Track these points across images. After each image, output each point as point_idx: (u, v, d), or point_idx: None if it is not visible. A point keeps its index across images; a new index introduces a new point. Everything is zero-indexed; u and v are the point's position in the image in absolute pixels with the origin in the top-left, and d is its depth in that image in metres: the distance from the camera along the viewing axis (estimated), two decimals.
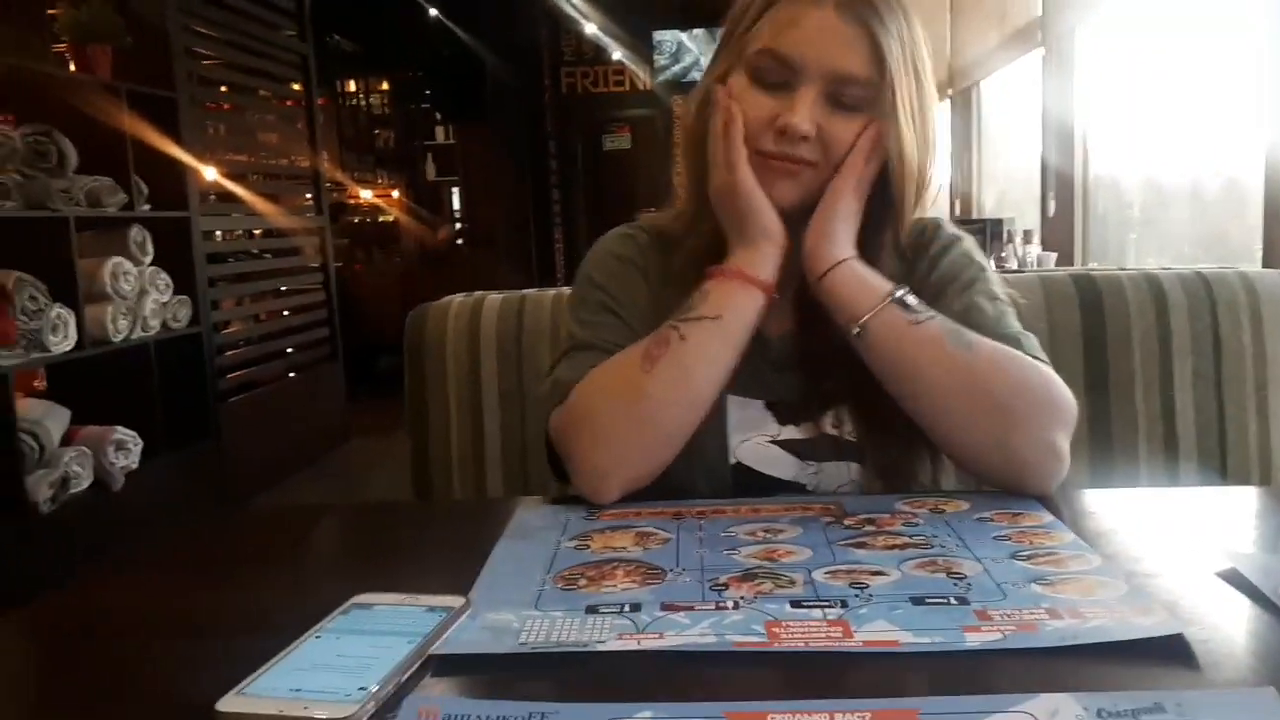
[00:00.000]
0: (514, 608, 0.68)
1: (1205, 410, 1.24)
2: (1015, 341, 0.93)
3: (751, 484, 0.98)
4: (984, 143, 5.19)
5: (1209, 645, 0.59)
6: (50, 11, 3.46)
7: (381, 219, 7.85)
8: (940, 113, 1.02)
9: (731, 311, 0.94)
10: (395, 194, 7.89)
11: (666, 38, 7.15)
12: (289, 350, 4.73)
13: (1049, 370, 0.91)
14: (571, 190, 7.05)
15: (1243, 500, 0.98)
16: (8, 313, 2.79)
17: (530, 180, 7.12)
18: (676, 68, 6.72)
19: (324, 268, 4.98)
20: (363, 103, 8.17)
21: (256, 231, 4.92)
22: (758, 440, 0.99)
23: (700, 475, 0.97)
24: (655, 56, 6.89)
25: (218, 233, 4.35)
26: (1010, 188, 5.10)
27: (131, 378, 3.42)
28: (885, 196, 0.96)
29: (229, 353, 4.18)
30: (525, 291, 1.39)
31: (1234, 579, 0.67)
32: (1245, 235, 3.03)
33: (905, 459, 1.00)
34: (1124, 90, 3.44)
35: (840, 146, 0.92)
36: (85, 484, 3.08)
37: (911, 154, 0.93)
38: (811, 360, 1.00)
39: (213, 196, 4.18)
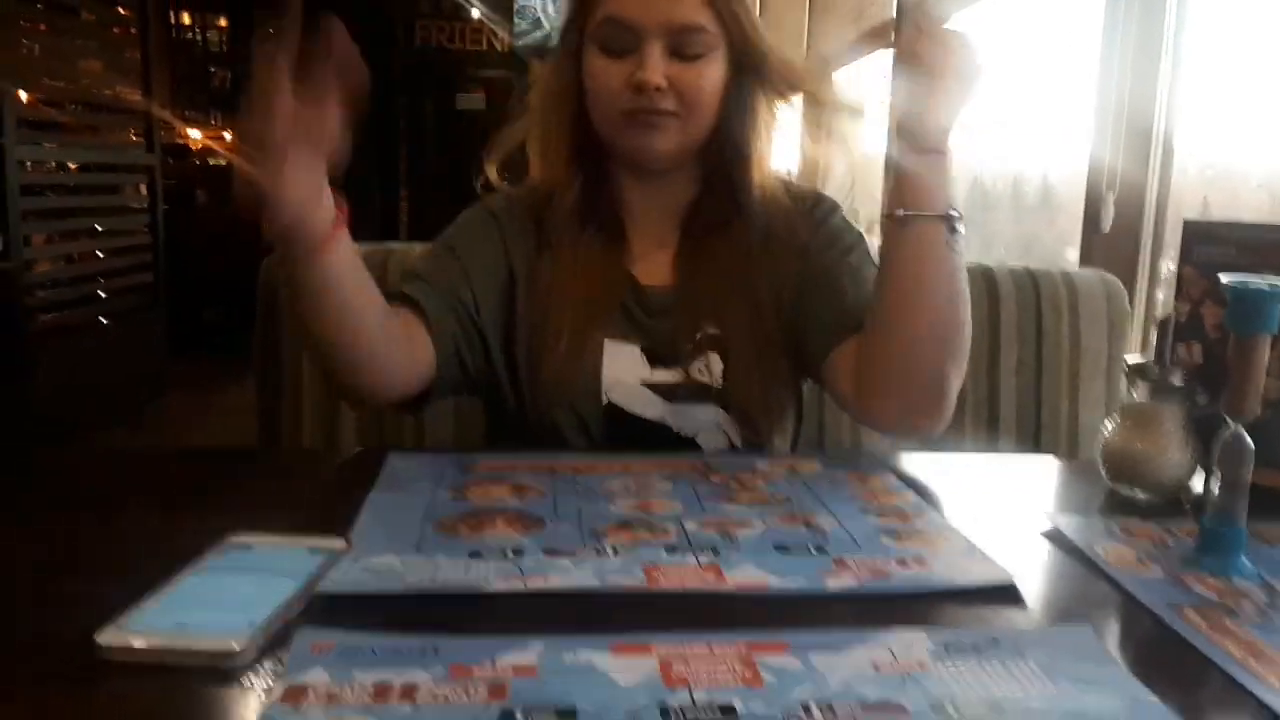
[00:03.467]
0: (396, 552, 0.68)
1: (1025, 394, 1.36)
2: None
3: (621, 423, 1.03)
4: (833, 133, 5.39)
5: (1036, 593, 0.66)
6: None
7: (213, 163, 7.41)
8: (794, 104, 1.10)
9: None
10: (229, 136, 7.48)
11: (528, 2, 7.05)
12: (103, 295, 4.42)
13: None
14: (421, 147, 6.84)
15: (1058, 469, 1.08)
16: None
17: (376, 134, 6.90)
18: (537, 34, 6.63)
19: (151, 209, 4.67)
20: (198, 37, 7.67)
21: (73, 165, 4.56)
22: (629, 382, 1.03)
23: (573, 414, 1.02)
24: (516, 20, 6.77)
25: (28, 163, 3.99)
26: (848, 181, 5.32)
27: None
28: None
29: (40, 293, 3.87)
30: (391, 245, 1.37)
31: (1056, 537, 0.76)
32: (1054, 240, 3.29)
33: (766, 405, 1.06)
34: None
35: (693, 93, 0.99)
36: None
37: (783, 59, 1.04)
38: (687, 308, 1.05)
39: (27, 124, 3.85)
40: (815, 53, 1.07)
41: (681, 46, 0.98)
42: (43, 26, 4.25)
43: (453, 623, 0.59)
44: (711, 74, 1.00)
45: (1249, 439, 0.68)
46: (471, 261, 1.04)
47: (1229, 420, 0.69)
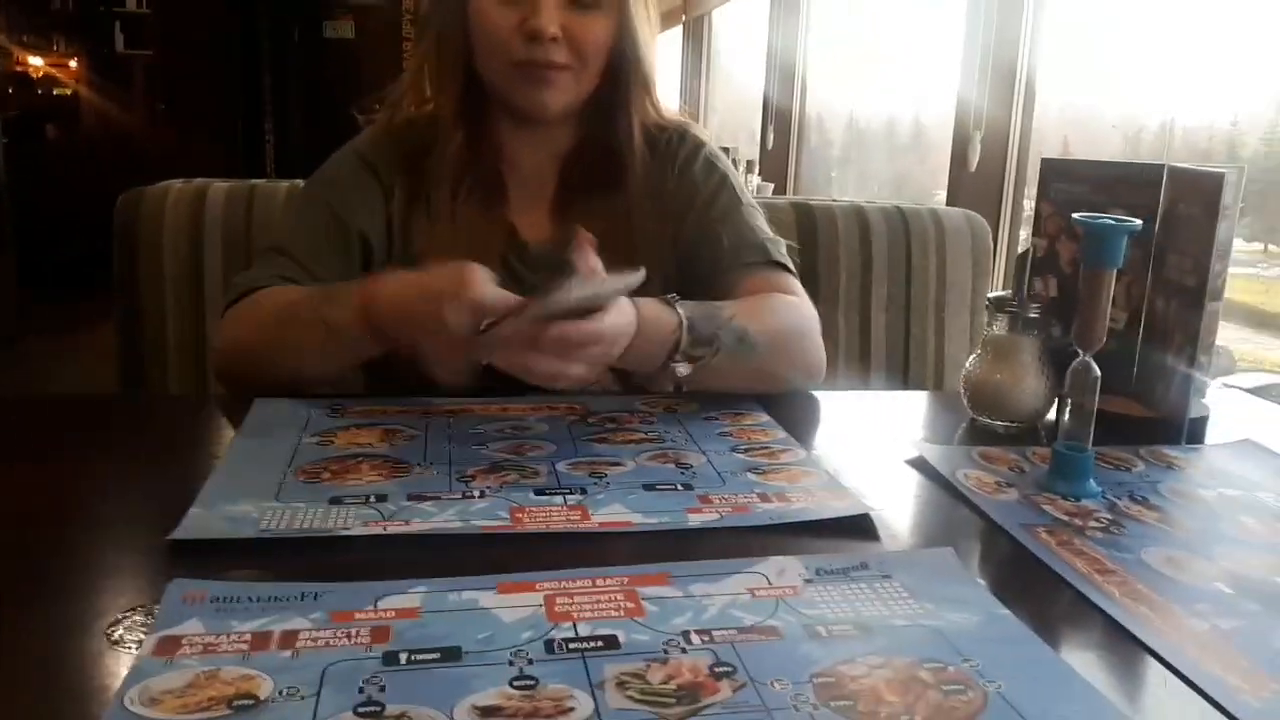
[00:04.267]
0: (253, 499, 0.66)
1: (895, 329, 1.40)
2: (764, 249, 1.02)
3: (502, 382, 1.00)
4: (713, 72, 5.38)
5: (902, 517, 0.68)
6: None
7: (58, 91, 6.89)
8: (673, 38, 1.08)
9: (348, 336, 0.87)
10: (74, 64, 6.95)
11: None
12: None
13: (801, 302, 1.00)
14: (285, 77, 6.51)
15: (924, 401, 1.12)
16: None
17: (237, 63, 6.53)
18: None
19: None
20: None
21: None
22: None
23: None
24: None
25: None
26: (728, 118, 5.34)
27: None
28: (618, 87, 1.01)
29: None
30: (255, 181, 1.30)
31: (921, 465, 0.78)
32: (926, 179, 3.39)
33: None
34: (840, 31, 3.69)
35: (586, 45, 0.96)
36: None
37: (644, 44, 1.00)
38: (568, 265, 1.03)
39: None
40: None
41: None
42: None
43: (333, 572, 0.57)
44: (606, 25, 0.97)
45: (1096, 367, 0.72)
46: (351, 219, 1.00)
47: (1079, 350, 0.72)
